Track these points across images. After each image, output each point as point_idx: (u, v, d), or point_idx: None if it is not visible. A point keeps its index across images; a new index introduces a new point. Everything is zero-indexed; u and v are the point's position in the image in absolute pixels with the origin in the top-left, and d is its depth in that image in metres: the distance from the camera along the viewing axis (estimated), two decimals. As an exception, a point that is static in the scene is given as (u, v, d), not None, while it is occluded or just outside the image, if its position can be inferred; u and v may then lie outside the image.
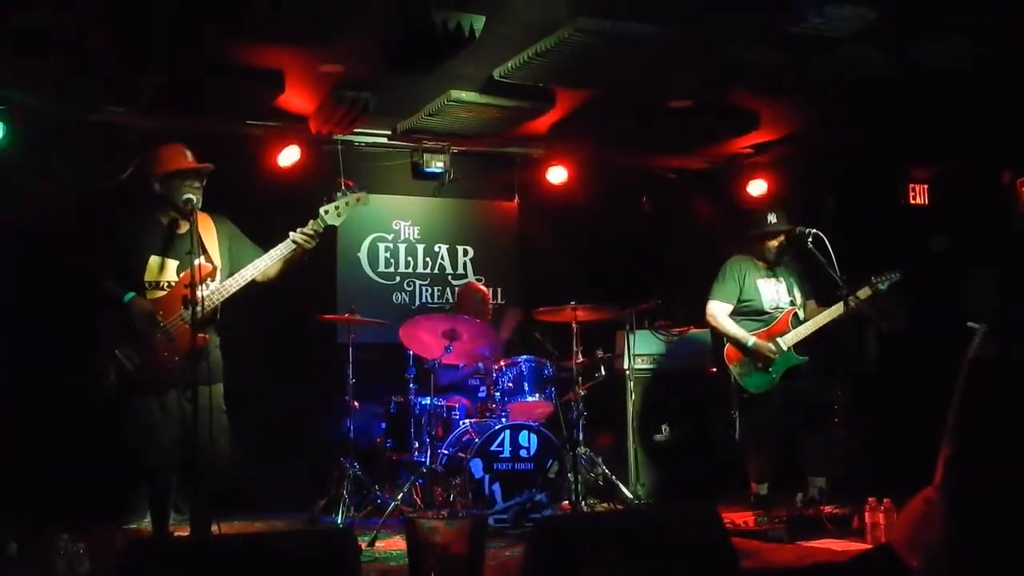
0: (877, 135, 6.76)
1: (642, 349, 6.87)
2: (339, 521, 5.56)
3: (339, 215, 4.81)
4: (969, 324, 4.54)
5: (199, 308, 4.24)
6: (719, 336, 6.02)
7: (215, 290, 4.55)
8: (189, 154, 4.66)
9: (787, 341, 5.85)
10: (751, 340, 5.81)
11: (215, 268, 4.61)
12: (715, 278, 6.03)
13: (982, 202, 6.08)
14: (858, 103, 6.31)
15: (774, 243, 5.99)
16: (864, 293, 5.75)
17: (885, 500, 5.08)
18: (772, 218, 5.97)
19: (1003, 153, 6.14)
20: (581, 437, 6.03)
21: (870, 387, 6.37)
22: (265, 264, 4.66)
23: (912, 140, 6.74)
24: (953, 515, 2.98)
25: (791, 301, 6.00)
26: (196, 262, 4.26)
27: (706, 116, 6.79)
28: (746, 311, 5.96)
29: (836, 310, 5.79)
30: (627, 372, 6.74)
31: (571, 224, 7.72)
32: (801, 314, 5.97)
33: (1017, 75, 5.71)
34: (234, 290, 4.61)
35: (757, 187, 7.89)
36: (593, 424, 6.27)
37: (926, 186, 7.26)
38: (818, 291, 6.05)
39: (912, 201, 7.24)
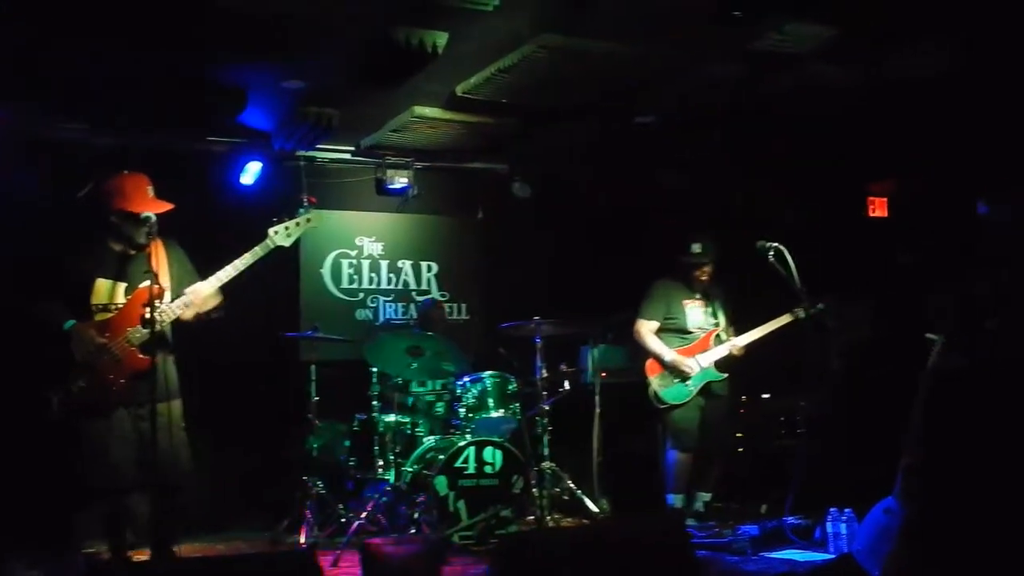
0: (838, 148, 6.85)
1: (606, 363, 6.89)
2: (302, 541, 5.50)
3: (288, 236, 4.78)
4: (928, 335, 4.64)
5: (151, 329, 4.22)
6: (644, 351, 6.20)
7: (162, 311, 4.48)
8: (151, 189, 4.62)
9: (707, 358, 6.10)
10: (669, 355, 6.05)
11: (163, 290, 4.57)
12: (645, 297, 6.22)
13: (942, 215, 6.19)
14: (818, 117, 6.38)
15: (700, 274, 6.13)
16: (784, 320, 6.00)
17: (846, 510, 5.12)
18: (696, 248, 6.10)
19: (961, 167, 6.30)
20: (546, 452, 6.02)
21: (833, 398, 6.36)
22: (208, 286, 4.61)
23: (872, 154, 6.83)
24: (913, 525, 3.03)
25: (715, 323, 6.21)
26: (149, 284, 4.23)
27: (666, 131, 6.83)
28: (671, 329, 6.17)
29: (783, 320, 6.04)
30: (591, 386, 6.75)
31: (536, 239, 7.75)
32: (723, 335, 6.17)
33: (973, 91, 5.82)
34: (177, 314, 4.58)
35: (723, 200, 7.88)
36: (558, 439, 6.26)
37: (885, 200, 7.36)
38: (780, 302, 6.11)
39: (872, 214, 7.35)
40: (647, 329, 6.17)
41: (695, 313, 6.21)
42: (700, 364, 6.09)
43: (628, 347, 6.91)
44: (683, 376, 6.04)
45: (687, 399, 6.05)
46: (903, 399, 3.38)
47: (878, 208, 7.32)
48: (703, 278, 6.16)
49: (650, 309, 6.20)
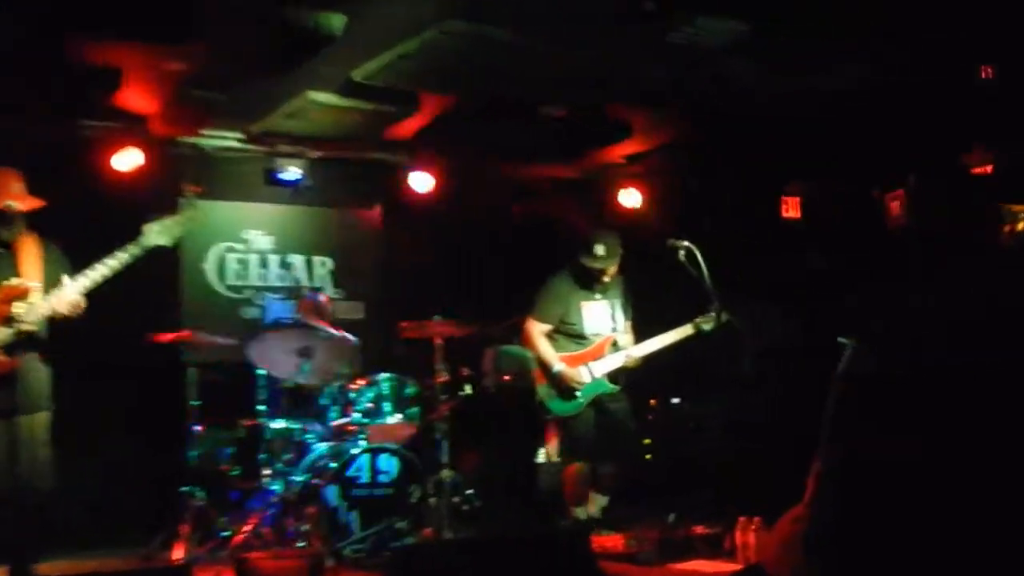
0: (753, 148, 6.99)
1: (512, 366, 6.88)
2: (179, 557, 5.38)
3: (166, 233, 4.68)
4: (839, 339, 4.75)
5: (15, 330, 4.07)
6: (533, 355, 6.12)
7: (27, 310, 4.38)
8: (18, 184, 4.48)
9: (600, 368, 5.99)
10: (557, 366, 5.92)
11: (28, 289, 4.44)
12: (539, 294, 6.08)
13: (854, 216, 6.36)
14: (733, 115, 6.52)
15: (605, 277, 6.05)
16: (685, 332, 5.97)
17: (756, 519, 5.21)
18: (599, 249, 5.97)
19: (873, 168, 6.48)
20: (445, 459, 5.98)
21: (745, 403, 6.55)
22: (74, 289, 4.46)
23: (786, 154, 6.97)
24: (823, 533, 3.09)
25: (612, 328, 6.11)
26: (15, 282, 4.09)
27: (578, 125, 6.90)
28: (566, 332, 6.05)
29: (685, 331, 6.00)
30: (494, 390, 6.77)
31: (438, 235, 7.73)
32: (621, 340, 6.10)
33: (891, 94, 6.00)
34: (43, 314, 4.44)
35: (631, 198, 8.05)
36: (458, 446, 6.25)
37: (799, 199, 7.53)
38: (690, 306, 6.19)
39: (785, 214, 7.51)
40: (538, 331, 6.02)
41: (594, 316, 6.09)
42: (592, 374, 5.97)
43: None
44: (570, 390, 5.94)
45: (576, 412, 5.95)
46: (816, 404, 3.45)
47: (791, 208, 7.47)
48: (605, 279, 6.07)
49: (544, 309, 6.06)
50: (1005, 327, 2.88)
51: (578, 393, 5.92)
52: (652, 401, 7.11)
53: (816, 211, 7.27)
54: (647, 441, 7.12)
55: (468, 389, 6.49)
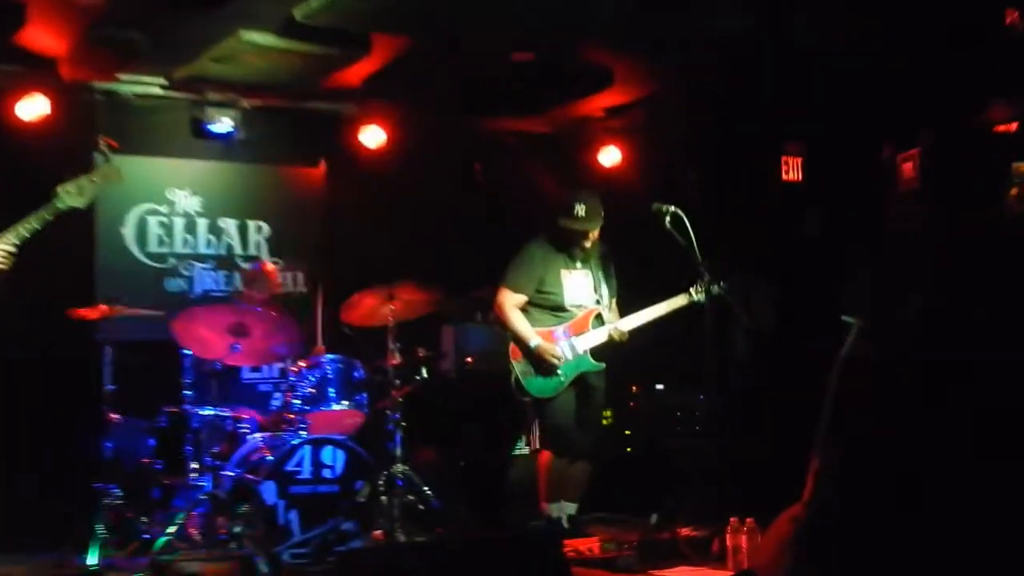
0: (747, 103, 7.04)
1: (473, 346, 6.96)
2: (93, 563, 5.37)
3: (82, 194, 4.68)
4: (844, 319, 4.82)
5: None
6: (505, 331, 6.14)
7: None
8: None
9: (583, 343, 6.04)
10: (534, 340, 5.94)
11: None
12: (513, 262, 6.12)
13: (861, 179, 6.42)
14: (724, 66, 6.56)
15: (584, 240, 6.10)
16: (677, 302, 6.09)
17: (748, 520, 5.26)
18: (579, 209, 6.01)
19: (884, 126, 6.55)
20: (398, 453, 6.00)
21: (736, 392, 6.64)
22: None
23: (786, 109, 7.02)
24: (820, 534, 3.16)
25: (596, 299, 6.16)
26: None
27: (551, 72, 6.91)
28: (543, 304, 6.08)
29: (677, 301, 6.09)
30: (454, 374, 6.83)
31: (390, 197, 7.71)
32: (605, 315, 6.16)
33: (903, 42, 6.03)
34: None
35: (609, 156, 8.09)
36: (413, 437, 6.29)
37: (800, 160, 7.58)
38: (677, 278, 6.26)
39: (785, 176, 7.56)
40: (511, 303, 6.03)
41: (575, 286, 6.13)
42: (575, 350, 6.01)
43: (498, 328, 6.97)
44: (550, 367, 5.97)
45: (556, 392, 5.97)
46: (815, 393, 3.51)
47: (793, 170, 7.51)
48: (587, 244, 6.11)
49: (519, 278, 6.07)
50: (1008, 325, 2.97)
51: (559, 371, 5.94)
52: (633, 388, 7.14)
53: (820, 171, 7.33)
54: (627, 432, 7.16)
55: (424, 373, 6.51)
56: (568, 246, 6.12)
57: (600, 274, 6.23)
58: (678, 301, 6.13)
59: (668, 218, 5.60)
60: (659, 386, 7.35)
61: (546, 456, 6.09)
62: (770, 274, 6.60)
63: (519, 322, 6.00)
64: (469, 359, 6.96)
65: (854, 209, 6.53)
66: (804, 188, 7.34)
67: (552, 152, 8.27)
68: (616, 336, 6.10)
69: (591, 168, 8.07)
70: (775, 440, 6.10)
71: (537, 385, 5.97)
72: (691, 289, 6.01)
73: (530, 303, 6.08)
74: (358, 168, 7.73)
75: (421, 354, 6.51)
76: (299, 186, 7.84)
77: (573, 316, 6.09)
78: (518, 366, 5.98)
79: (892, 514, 2.92)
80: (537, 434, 6.08)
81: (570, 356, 5.98)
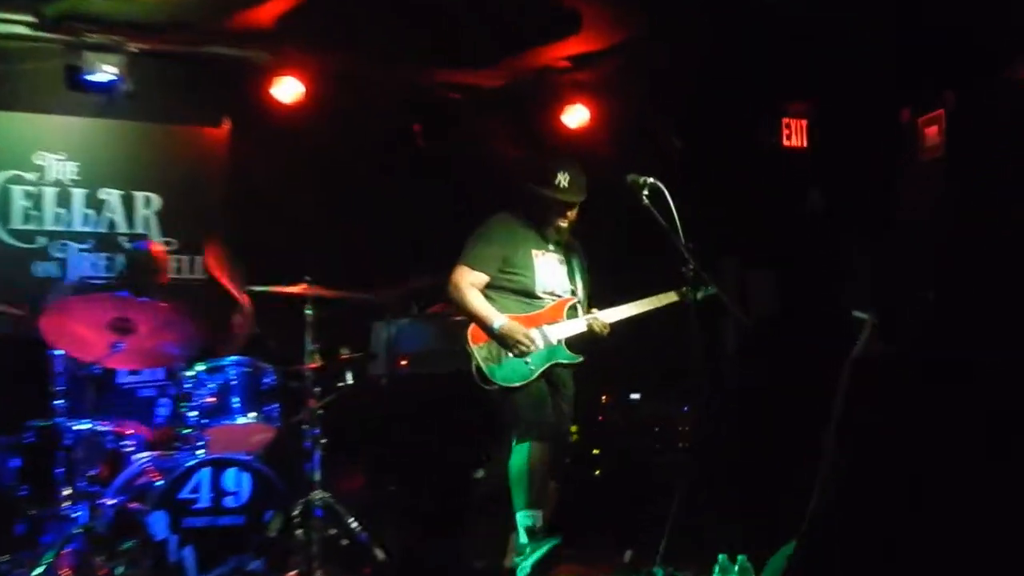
0: (741, 55, 7.07)
1: (410, 346, 6.99)
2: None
3: None
4: (855, 313, 4.84)
5: None
6: (463, 314, 6.12)
7: None
8: None
9: (557, 332, 6.07)
10: (499, 320, 5.95)
11: None
12: (473, 236, 6.14)
13: (874, 146, 6.46)
14: (712, 10, 6.62)
15: (562, 219, 6.15)
16: (668, 298, 6.16)
17: (740, 558, 5.27)
18: (562, 179, 6.07)
19: (900, 84, 6.59)
20: (317, 476, 5.97)
21: (726, 400, 6.71)
22: None
23: (787, 63, 7.07)
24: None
25: (571, 290, 6.23)
26: None
27: (506, 12, 6.95)
28: (509, 288, 6.10)
29: (667, 298, 6.14)
30: (385, 380, 6.85)
31: (309, 164, 7.72)
32: (580, 309, 6.21)
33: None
34: None
35: (576, 116, 8.11)
36: (336, 457, 6.27)
37: (804, 122, 7.61)
38: (651, 264, 6.24)
39: (787, 143, 7.59)
40: (469, 282, 6.02)
41: (548, 271, 6.18)
42: (547, 338, 6.04)
43: (440, 323, 7.02)
44: (520, 351, 5.97)
45: (525, 381, 5.95)
46: (818, 398, 3.59)
47: (795, 135, 7.54)
48: (562, 224, 6.17)
49: (482, 254, 6.08)
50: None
51: (528, 360, 5.95)
52: (603, 398, 7.15)
53: (828, 138, 7.35)
54: (596, 452, 7.19)
55: (350, 378, 6.47)
56: (541, 223, 6.19)
57: (576, 263, 6.32)
58: (668, 297, 6.18)
59: (646, 192, 5.54)
60: (634, 395, 7.38)
61: (525, 449, 5.95)
62: (767, 259, 6.56)
63: (479, 302, 6.02)
64: (404, 361, 6.95)
65: (865, 183, 6.57)
66: (808, 156, 7.38)
67: (507, 111, 8.27)
68: (597, 328, 6.14)
69: (554, 130, 8.10)
70: (772, 459, 6.14)
71: (502, 372, 5.94)
72: (685, 288, 5.96)
73: (492, 286, 6.09)
74: (270, 128, 7.72)
75: (345, 356, 6.48)
76: (197, 150, 7.80)
77: (543, 305, 6.13)
78: (479, 351, 5.97)
79: (901, 515, 3.03)
80: (504, 430, 6.04)
81: (541, 344, 6.01)
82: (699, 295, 5.85)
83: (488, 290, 6.09)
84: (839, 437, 3.34)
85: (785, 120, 7.54)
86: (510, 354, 5.97)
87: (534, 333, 6.01)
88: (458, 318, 6.87)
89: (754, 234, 6.70)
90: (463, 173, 7.99)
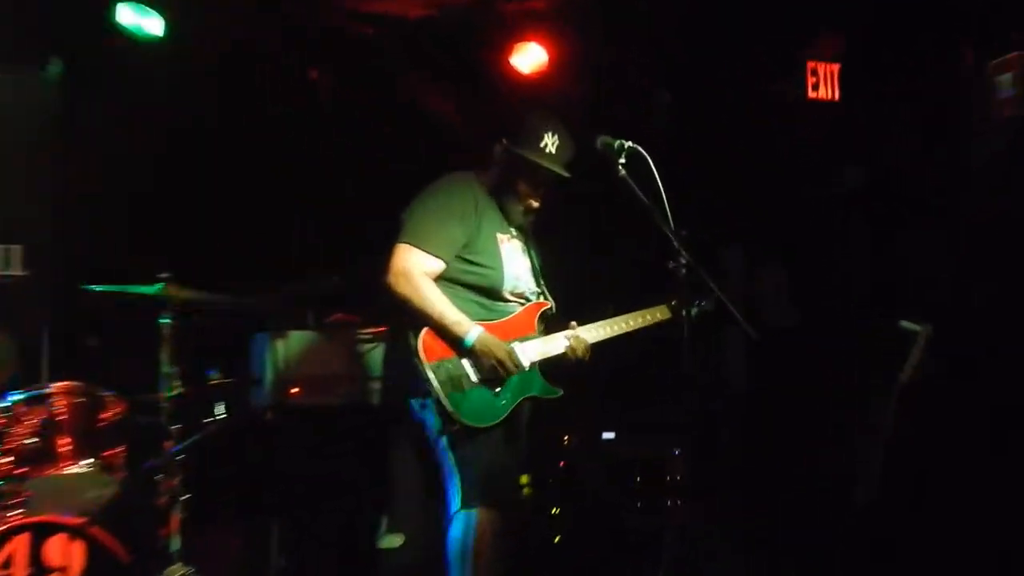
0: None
1: (305, 368, 6.98)
2: None
3: None
4: (903, 324, 4.83)
5: None
6: (410, 316, 5.85)
7: None
8: None
9: (533, 351, 6.01)
10: (473, 330, 5.82)
11: None
12: (421, 205, 5.99)
13: (931, 97, 6.54)
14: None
15: (535, 200, 6.15)
16: (662, 313, 6.21)
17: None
18: (549, 142, 6.03)
19: (962, 19, 6.63)
20: (177, 545, 5.96)
21: (730, 437, 6.91)
22: None
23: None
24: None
25: (537, 292, 6.21)
26: None
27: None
28: (466, 283, 5.99)
29: (656, 315, 6.21)
30: (270, 414, 6.85)
31: (166, 122, 7.66)
32: (553, 320, 6.18)
33: None
34: None
35: (529, 57, 8.11)
36: (202, 517, 6.21)
37: (837, 67, 7.57)
38: (627, 257, 6.32)
39: (813, 94, 7.52)
40: (422, 269, 5.85)
41: (515, 265, 6.14)
42: (527, 357, 5.97)
43: (345, 338, 7.06)
44: (493, 375, 5.88)
45: (496, 420, 5.85)
46: (848, 432, 3.69)
47: (825, 84, 7.50)
48: (535, 203, 6.16)
49: (438, 232, 5.93)
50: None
51: (498, 390, 5.87)
52: (566, 437, 7.22)
53: (867, 89, 7.35)
54: (555, 511, 7.20)
55: (221, 412, 6.49)
56: (508, 198, 6.15)
57: (535, 256, 6.32)
58: (655, 315, 6.24)
59: (622, 160, 5.48)
60: (608, 435, 7.37)
61: (473, 516, 5.85)
62: (783, 252, 6.75)
63: (442, 300, 5.85)
64: (295, 388, 6.88)
65: (917, 150, 6.64)
66: (842, 113, 7.36)
67: (438, 51, 8.23)
68: (579, 351, 6.10)
69: (501, 75, 8.05)
70: (783, 507, 6.31)
71: (469, 407, 5.79)
72: (675, 301, 6.03)
73: (444, 279, 5.95)
74: (112, 75, 7.65)
75: (215, 381, 6.52)
76: (14, 103, 7.75)
77: (509, 311, 6.08)
78: (435, 371, 5.77)
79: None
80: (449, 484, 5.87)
81: (527, 365, 5.96)
82: (694, 310, 5.93)
83: (442, 281, 5.95)
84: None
85: (811, 64, 7.45)
86: (473, 379, 5.85)
87: (518, 350, 5.95)
88: (371, 334, 6.83)
89: (767, 219, 6.77)
90: (378, 135, 8.00)
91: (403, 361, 5.82)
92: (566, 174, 6.03)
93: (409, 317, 5.80)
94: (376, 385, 7.02)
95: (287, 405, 6.97)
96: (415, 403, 5.81)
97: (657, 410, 7.03)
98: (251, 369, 7.13)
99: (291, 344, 7.04)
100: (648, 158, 5.46)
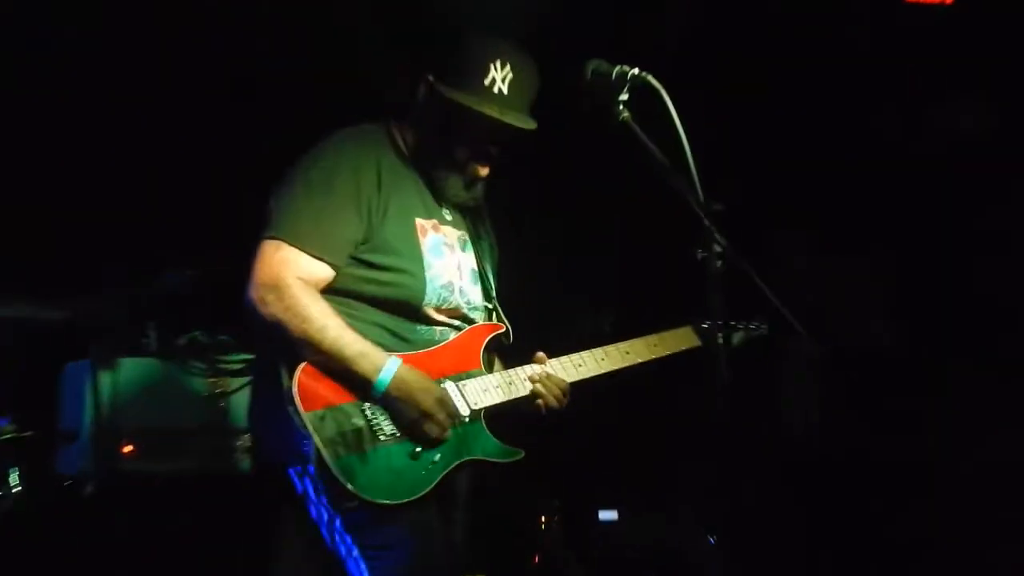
0: None
1: (143, 416, 6.88)
2: None
3: None
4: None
5: None
6: (285, 347, 5.68)
7: None
8: None
9: (472, 397, 5.95)
10: (389, 366, 5.69)
11: None
12: (295, 181, 5.82)
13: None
14: None
15: (482, 166, 6.00)
16: (686, 339, 6.33)
17: None
18: (497, 75, 5.88)
19: None
20: None
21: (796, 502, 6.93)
22: None
23: None
24: None
25: (485, 304, 6.22)
26: None
27: None
28: (374, 297, 5.88)
29: (680, 340, 6.30)
30: (91, 486, 6.73)
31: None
32: (507, 349, 6.23)
33: None
34: None
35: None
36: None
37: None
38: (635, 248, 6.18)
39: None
40: (297, 277, 5.66)
41: (449, 262, 6.04)
42: (466, 403, 5.87)
43: (206, 368, 6.98)
44: (419, 432, 5.69)
45: (414, 495, 5.66)
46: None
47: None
48: (481, 170, 6.02)
49: (320, 221, 5.76)
50: None
51: (418, 448, 5.71)
52: (542, 518, 7.06)
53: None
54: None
55: (15, 482, 6.45)
56: (443, 163, 6.02)
57: (487, 249, 6.38)
58: (678, 340, 6.34)
59: (624, 95, 5.28)
60: (607, 514, 7.23)
61: None
62: (865, 236, 6.72)
63: (334, 321, 5.68)
64: (129, 446, 6.76)
65: None
66: (957, 21, 7.17)
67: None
68: (549, 395, 6.05)
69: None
70: None
71: (374, 475, 5.62)
72: (706, 324, 6.12)
73: (335, 290, 5.82)
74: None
75: (8, 435, 6.52)
76: None
77: (438, 339, 5.99)
78: (320, 429, 5.57)
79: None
80: None
81: (466, 415, 5.89)
82: (738, 336, 6.04)
83: (325, 296, 5.74)
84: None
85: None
86: (382, 435, 5.65)
87: (451, 392, 5.85)
88: (235, 362, 6.78)
89: (842, 188, 6.61)
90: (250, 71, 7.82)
91: (275, 409, 5.58)
92: (527, 124, 5.82)
93: (284, 348, 5.61)
94: (247, 442, 6.89)
95: (116, 472, 6.80)
96: (292, 471, 5.64)
97: (681, 476, 7.03)
98: (61, 418, 6.99)
99: (122, 379, 6.95)
100: (664, 93, 5.16)
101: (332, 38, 7.26)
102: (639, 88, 5.22)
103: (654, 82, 5.17)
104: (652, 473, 7.33)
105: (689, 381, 5.83)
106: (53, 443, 6.88)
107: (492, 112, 5.75)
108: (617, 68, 5.23)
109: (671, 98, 5.13)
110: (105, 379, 6.85)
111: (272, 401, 5.59)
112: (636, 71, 5.20)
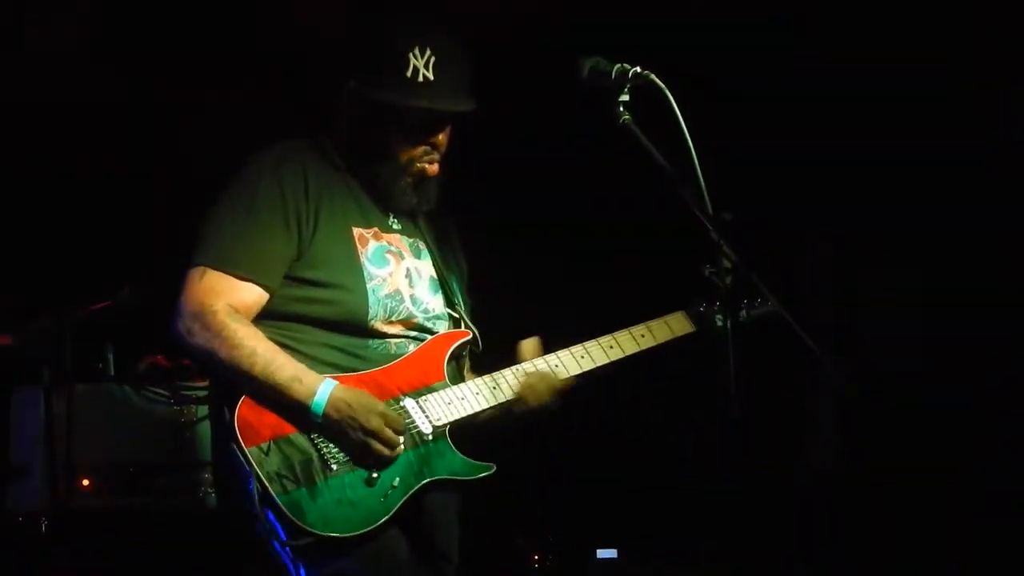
0: None
1: (100, 449, 6.82)
2: None
3: None
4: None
5: None
6: (220, 380, 5.75)
7: None
8: None
9: (434, 412, 5.91)
10: (323, 389, 5.65)
11: None
12: (223, 204, 5.77)
13: None
14: None
15: (427, 162, 5.92)
16: (678, 325, 6.26)
17: None
18: (418, 62, 5.87)
19: None
20: None
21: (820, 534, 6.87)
22: None
23: None
24: None
25: (449, 311, 6.17)
26: None
27: None
28: (314, 317, 5.86)
29: (674, 327, 6.23)
30: (45, 524, 6.65)
31: None
32: (476, 354, 6.22)
33: None
34: None
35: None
36: None
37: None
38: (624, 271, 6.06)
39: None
40: (227, 304, 5.64)
41: (395, 271, 5.99)
42: (427, 419, 5.83)
43: (169, 395, 6.88)
44: (367, 456, 5.65)
45: (370, 526, 5.59)
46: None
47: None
48: (427, 166, 5.91)
49: (250, 242, 5.73)
50: None
51: (376, 475, 5.66)
52: (535, 559, 6.99)
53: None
54: None
55: None
56: (384, 166, 5.94)
57: (451, 254, 6.30)
58: (674, 326, 6.23)
59: (624, 98, 5.21)
60: (604, 552, 7.16)
61: None
62: (898, 245, 6.67)
63: (265, 347, 5.66)
64: (86, 481, 6.71)
65: None
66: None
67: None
68: (529, 397, 5.96)
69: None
70: None
71: (319, 508, 5.58)
72: (701, 305, 6.14)
73: (273, 313, 5.78)
74: None
75: None
76: None
77: (394, 352, 5.92)
78: (263, 465, 5.56)
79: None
80: None
81: (429, 432, 5.84)
82: (742, 314, 5.79)
83: (264, 322, 5.71)
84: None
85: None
86: (333, 464, 5.59)
87: (410, 412, 5.80)
88: (198, 386, 6.80)
89: (869, 190, 6.52)
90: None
91: (224, 445, 5.58)
92: (464, 106, 5.79)
93: (219, 381, 5.65)
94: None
95: (71, 508, 6.65)
96: (247, 506, 5.50)
97: (690, 502, 7.03)
98: (12, 451, 6.94)
99: (80, 406, 6.78)
100: (668, 93, 5.06)
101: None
102: (641, 88, 5.11)
103: (658, 81, 5.04)
104: (658, 500, 7.30)
105: (696, 406, 5.76)
106: (2, 478, 6.80)
107: (422, 103, 5.70)
108: (617, 66, 5.14)
109: (675, 99, 5.03)
110: (56, 407, 6.76)
111: (222, 434, 5.58)
112: (638, 69, 5.09)
